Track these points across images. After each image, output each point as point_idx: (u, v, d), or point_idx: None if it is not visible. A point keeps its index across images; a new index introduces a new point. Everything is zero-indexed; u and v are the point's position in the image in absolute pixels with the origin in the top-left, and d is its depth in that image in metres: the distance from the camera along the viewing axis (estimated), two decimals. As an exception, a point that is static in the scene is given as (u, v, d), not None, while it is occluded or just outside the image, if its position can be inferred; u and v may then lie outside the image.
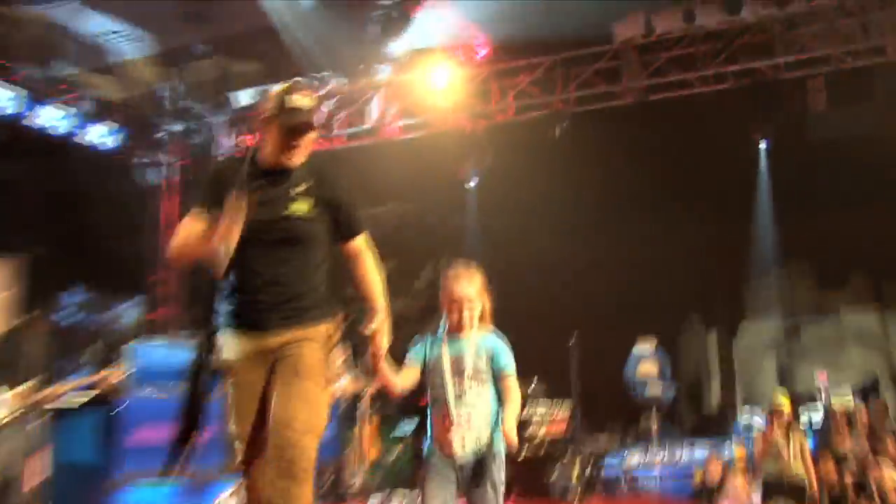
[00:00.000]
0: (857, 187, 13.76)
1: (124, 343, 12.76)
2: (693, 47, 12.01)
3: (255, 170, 3.76)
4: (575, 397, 11.20)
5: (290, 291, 3.72)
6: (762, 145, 14.04)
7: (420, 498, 4.14)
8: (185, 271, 14.53)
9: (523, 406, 11.09)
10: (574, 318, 14.05)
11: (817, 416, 12.04)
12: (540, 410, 11.24)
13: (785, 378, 13.82)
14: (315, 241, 3.81)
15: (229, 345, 3.74)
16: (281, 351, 3.68)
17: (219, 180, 3.76)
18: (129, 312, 15.51)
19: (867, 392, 12.81)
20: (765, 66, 11.79)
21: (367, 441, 10.47)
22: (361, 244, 3.94)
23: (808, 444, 9.06)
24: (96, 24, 12.88)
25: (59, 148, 12.90)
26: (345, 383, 9.91)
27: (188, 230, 3.73)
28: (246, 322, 3.72)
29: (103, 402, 6.31)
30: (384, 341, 3.82)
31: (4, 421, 8.23)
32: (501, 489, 4.02)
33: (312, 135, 3.83)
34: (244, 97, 13.54)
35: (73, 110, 13.15)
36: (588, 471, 11.06)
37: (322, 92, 13.02)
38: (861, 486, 8.38)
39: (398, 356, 4.19)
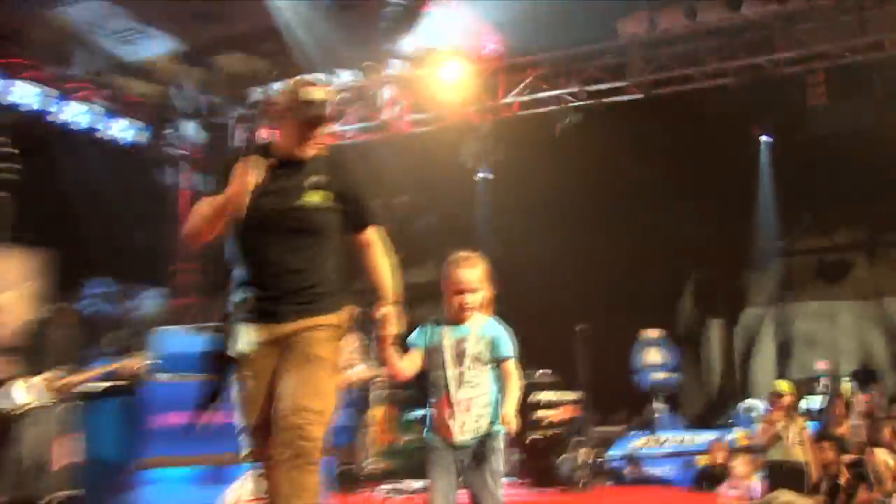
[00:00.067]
0: (857, 180, 13.74)
1: (146, 331, 12.88)
2: (695, 43, 12.00)
3: (270, 160, 3.72)
4: (582, 385, 11.22)
5: (301, 280, 3.71)
6: (763, 139, 14.04)
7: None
8: (204, 260, 14.67)
9: (532, 392, 11.19)
10: (581, 307, 14.09)
11: (817, 403, 12.07)
12: (547, 397, 11.28)
13: (785, 366, 13.83)
14: (327, 231, 3.80)
15: (241, 335, 3.72)
16: (293, 338, 3.67)
17: (229, 171, 3.69)
18: (150, 302, 15.59)
19: (866, 379, 12.83)
20: (765, 61, 11.76)
21: (380, 426, 10.50)
22: (373, 235, 3.95)
23: (808, 430, 9.09)
24: (116, 23, 12.94)
25: (82, 143, 12.97)
26: (359, 371, 9.97)
27: (201, 209, 3.72)
28: (258, 311, 3.69)
29: (127, 388, 6.36)
30: (393, 328, 3.80)
31: (33, 406, 8.33)
32: (501, 473, 4.00)
33: (326, 127, 3.84)
34: (259, 92, 13.57)
35: (95, 106, 13.22)
36: (594, 456, 11.10)
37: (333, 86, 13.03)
38: (859, 471, 8.40)
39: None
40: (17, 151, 2.06)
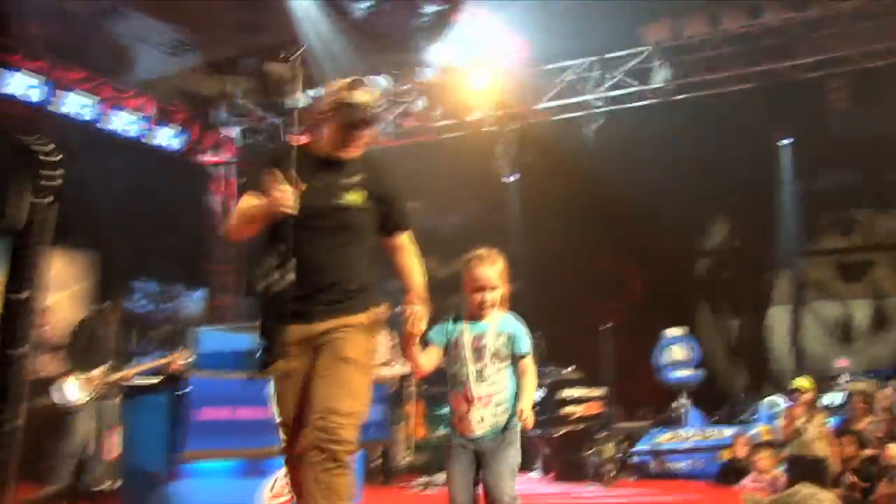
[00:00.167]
0: (876, 182, 13.63)
1: (188, 330, 13.00)
2: (718, 49, 11.95)
3: (310, 159, 3.71)
4: (608, 381, 11.21)
5: (335, 278, 3.65)
6: (784, 143, 13.94)
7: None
8: (242, 261, 14.78)
9: (559, 388, 11.19)
10: (606, 306, 14.08)
11: (838, 399, 11.97)
12: (574, 393, 11.27)
13: (807, 363, 13.72)
14: (364, 232, 3.76)
15: (274, 333, 3.64)
16: (325, 336, 3.62)
17: (274, 166, 3.63)
18: (193, 301, 15.73)
19: (887, 376, 12.69)
20: (786, 67, 11.70)
21: (414, 422, 10.54)
22: (406, 239, 3.92)
23: (829, 425, 9.03)
24: (159, 35, 13.08)
25: (130, 149, 13.12)
26: (396, 369, 10.01)
27: (242, 208, 3.70)
28: (292, 310, 3.58)
29: (170, 384, 6.42)
30: (419, 326, 3.73)
31: (86, 402, 8.46)
32: (516, 467, 3.95)
33: (369, 130, 3.78)
34: (301, 99, 13.66)
35: (141, 115, 13.38)
36: (620, 451, 11.07)
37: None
38: (869, 466, 8.33)
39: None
40: (59, 158, 2.08)
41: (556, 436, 10.85)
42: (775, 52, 11.69)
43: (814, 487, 6.15)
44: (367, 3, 11.25)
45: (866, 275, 15.07)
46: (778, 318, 14.95)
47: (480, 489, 3.96)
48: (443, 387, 4.19)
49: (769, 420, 11.06)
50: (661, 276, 15.03)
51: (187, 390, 6.01)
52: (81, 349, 8.63)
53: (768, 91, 12.10)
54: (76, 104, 12.25)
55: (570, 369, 11.75)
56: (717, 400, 13.34)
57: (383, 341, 9.62)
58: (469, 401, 3.90)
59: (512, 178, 15.58)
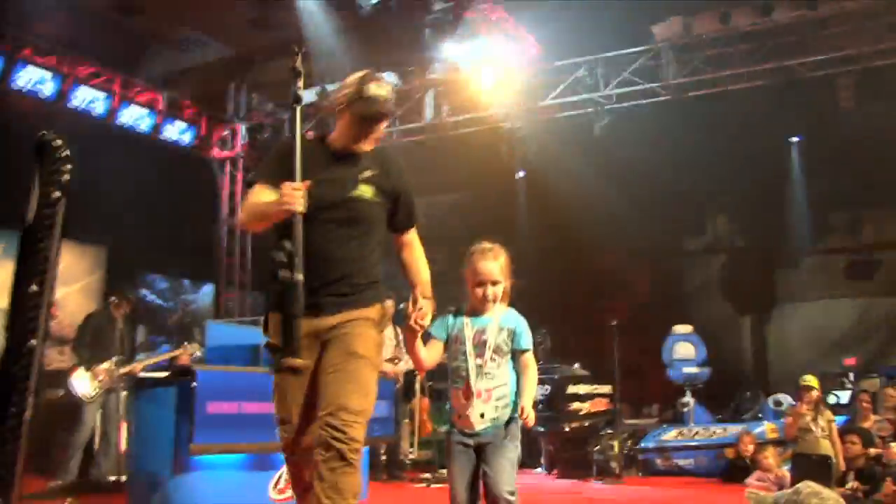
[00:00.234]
0: (886, 181, 13.59)
1: (199, 323, 13.03)
2: (728, 47, 11.93)
3: (323, 152, 3.71)
4: (616, 378, 11.21)
5: (347, 271, 3.61)
6: (794, 140, 13.92)
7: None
8: (252, 256, 14.82)
9: (567, 384, 11.19)
10: (614, 302, 14.08)
11: (845, 398, 11.97)
12: (581, 389, 11.27)
13: (814, 361, 13.70)
14: (374, 226, 3.73)
15: (272, 327, 3.62)
16: (334, 331, 3.57)
17: (284, 157, 3.61)
18: (202, 295, 15.78)
19: (894, 375, 12.68)
20: (796, 64, 11.68)
21: (420, 418, 10.55)
22: (413, 235, 3.91)
23: (835, 423, 9.02)
24: (175, 32, 13.16)
25: (140, 144, 13.16)
26: (401, 366, 10.03)
27: (254, 202, 3.65)
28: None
29: (177, 377, 6.44)
30: (423, 322, 3.64)
31: (98, 394, 8.50)
32: (516, 462, 3.88)
33: (384, 124, 3.76)
34: (308, 95, 13.67)
35: (151, 109, 13.41)
36: (627, 447, 11.08)
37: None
38: (882, 463, 8.33)
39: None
40: (68, 154, 2.07)
41: (561, 432, 10.86)
42: (785, 49, 11.66)
43: (818, 486, 6.14)
44: (376, 0, 11.25)
45: (874, 273, 15.05)
46: (784, 316, 14.94)
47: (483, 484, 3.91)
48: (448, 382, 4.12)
49: (775, 418, 11.07)
50: (668, 273, 15.03)
51: (195, 384, 6.02)
52: (92, 342, 8.68)
53: (777, 89, 12.07)
54: (87, 99, 12.27)
55: (575, 366, 11.75)
56: (722, 397, 13.35)
57: (389, 337, 9.64)
58: (469, 396, 3.84)
59: (520, 175, 15.60)
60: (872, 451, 8.59)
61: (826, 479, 7.66)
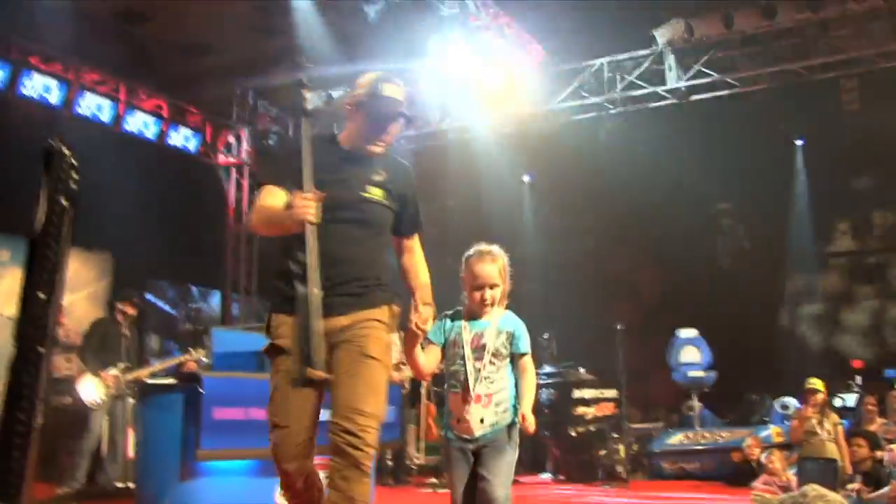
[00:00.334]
0: (891, 183, 13.59)
1: (206, 329, 13.03)
2: (731, 50, 11.92)
3: (334, 152, 3.66)
4: (621, 381, 11.22)
5: (355, 271, 3.56)
6: (798, 143, 13.92)
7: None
8: (259, 263, 14.83)
9: (573, 389, 11.19)
10: (620, 306, 14.08)
11: (851, 401, 11.95)
12: (588, 393, 11.27)
13: (820, 364, 13.69)
14: (383, 228, 3.71)
15: (284, 328, 3.55)
16: (346, 333, 3.50)
17: (291, 158, 3.54)
18: (209, 302, 15.81)
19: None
20: (800, 67, 11.67)
21: (427, 422, 10.55)
22: (416, 241, 3.88)
23: (842, 426, 9.01)
24: (181, 38, 13.20)
25: (145, 150, 13.18)
26: (407, 370, 10.03)
27: (265, 205, 3.57)
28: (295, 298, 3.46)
29: (186, 383, 6.45)
30: (424, 328, 3.60)
31: (104, 401, 8.52)
32: (513, 469, 3.79)
33: (397, 125, 3.72)
34: (315, 100, 13.67)
35: (157, 116, 13.43)
36: (634, 451, 11.07)
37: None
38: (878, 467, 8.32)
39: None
40: (75, 162, 2.06)
41: (567, 437, 10.85)
42: (788, 52, 11.66)
43: (823, 489, 6.13)
44: (379, 5, 11.26)
45: (880, 276, 15.02)
46: (790, 319, 14.92)
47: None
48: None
49: (781, 421, 11.05)
50: (674, 276, 15.02)
51: (202, 391, 6.03)
52: (98, 349, 8.70)
53: (781, 92, 12.06)
54: (93, 106, 12.30)
55: (581, 370, 11.75)
56: (729, 401, 13.33)
57: (395, 342, 9.64)
58: (468, 401, 3.76)
59: (526, 179, 15.61)
60: (879, 453, 8.57)
61: (832, 483, 7.65)
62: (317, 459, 3.58)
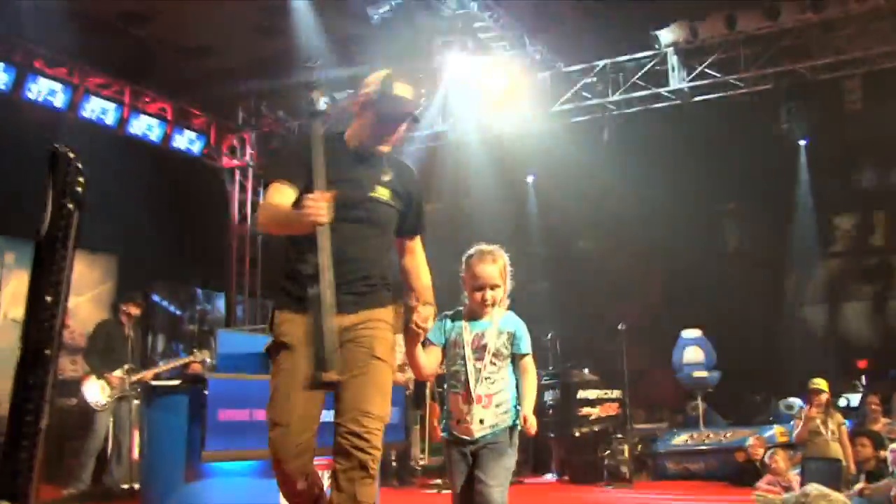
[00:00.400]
0: (892, 182, 13.59)
1: (211, 331, 13.04)
2: (735, 51, 11.93)
3: (341, 150, 3.61)
4: (625, 382, 11.23)
5: (360, 271, 3.51)
6: (801, 143, 13.92)
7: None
8: (264, 264, 14.85)
9: (576, 389, 11.19)
10: (624, 306, 14.08)
11: (856, 401, 11.94)
12: (591, 394, 11.27)
13: (824, 364, 13.69)
14: (389, 228, 3.67)
15: (288, 325, 3.51)
16: (351, 332, 3.47)
17: (300, 155, 3.52)
18: (214, 303, 15.83)
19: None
20: (803, 68, 11.68)
21: (432, 423, 10.56)
22: (418, 242, 3.85)
23: (846, 425, 9.01)
24: (185, 40, 13.22)
25: (150, 153, 13.21)
26: (411, 372, 10.04)
27: (275, 204, 3.49)
28: (305, 299, 3.42)
29: (191, 384, 6.46)
30: (425, 328, 3.58)
31: (110, 402, 8.55)
32: (511, 472, 3.75)
33: (406, 125, 3.68)
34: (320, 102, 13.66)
35: (161, 119, 13.45)
36: (638, 451, 11.07)
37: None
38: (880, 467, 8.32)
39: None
40: (81, 166, 2.07)
41: (571, 437, 10.86)
42: (792, 53, 11.66)
43: (824, 488, 6.13)
44: (385, 8, 11.28)
45: (883, 275, 15.01)
46: (795, 319, 14.92)
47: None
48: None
49: (786, 421, 11.05)
50: (678, 277, 15.02)
51: (206, 392, 6.04)
52: (100, 351, 8.72)
53: (785, 93, 12.07)
54: (98, 109, 12.33)
55: (585, 371, 11.76)
56: (733, 401, 13.33)
57: (399, 343, 9.65)
58: (469, 401, 3.72)
59: (529, 180, 15.63)
60: (883, 453, 8.56)
61: (836, 483, 7.66)
62: (317, 460, 3.54)
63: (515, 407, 3.76)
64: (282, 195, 3.50)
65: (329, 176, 3.40)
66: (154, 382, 8.24)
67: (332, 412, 3.50)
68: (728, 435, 11.14)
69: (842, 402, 11.77)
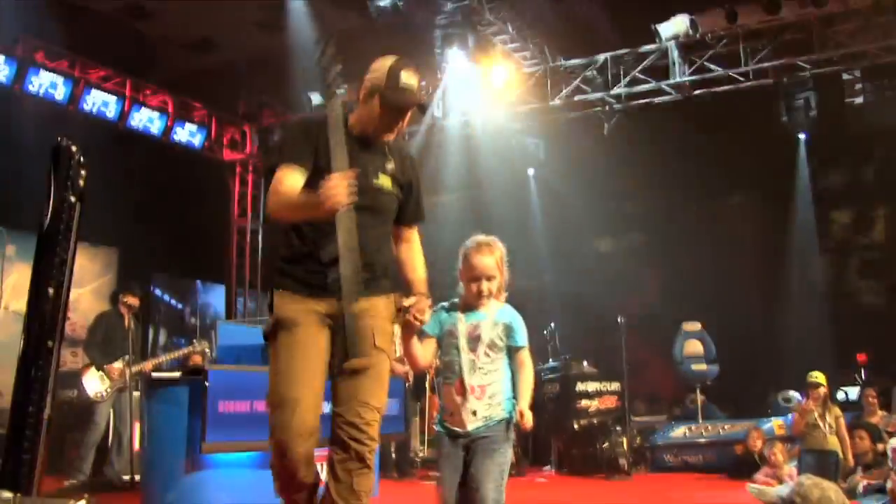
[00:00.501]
0: (893, 177, 13.58)
1: (211, 323, 13.06)
2: (735, 45, 11.93)
3: (347, 136, 3.47)
4: (625, 375, 11.24)
5: (366, 257, 3.41)
6: (801, 137, 13.92)
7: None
8: (263, 256, 14.87)
9: (576, 382, 11.22)
10: (624, 299, 14.09)
11: (854, 394, 11.95)
12: (591, 386, 11.29)
13: (822, 357, 13.69)
14: (390, 217, 3.64)
15: (291, 306, 3.43)
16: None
17: (308, 136, 3.48)
18: (214, 295, 15.85)
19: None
20: (804, 62, 11.68)
21: (431, 415, 10.57)
22: (416, 232, 3.81)
23: (844, 419, 9.03)
24: (185, 34, 13.23)
25: (151, 146, 13.23)
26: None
27: (288, 189, 3.39)
28: (316, 285, 3.40)
29: (192, 376, 6.49)
30: (422, 319, 3.56)
31: (110, 394, 8.57)
32: (507, 468, 3.67)
33: (411, 114, 3.63)
34: (315, 98, 13.68)
35: (162, 112, 13.46)
36: (636, 443, 11.09)
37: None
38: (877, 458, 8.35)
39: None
40: (84, 160, 2.06)
41: (570, 430, 10.89)
42: (793, 47, 11.66)
43: (818, 479, 6.15)
44: (385, 1, 11.27)
45: (884, 270, 15.01)
46: (795, 313, 14.91)
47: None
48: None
49: (784, 414, 11.06)
50: (677, 270, 15.02)
51: (207, 384, 6.06)
52: (99, 343, 8.74)
53: (785, 86, 12.06)
54: (99, 102, 12.34)
55: (584, 364, 11.78)
56: (731, 394, 13.34)
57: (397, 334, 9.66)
58: (463, 392, 3.66)
59: (531, 173, 15.64)
60: (881, 446, 8.59)
61: (833, 475, 7.68)
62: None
63: (510, 400, 3.70)
64: (293, 179, 3.42)
65: (334, 163, 3.33)
66: (155, 374, 8.27)
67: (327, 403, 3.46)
68: (726, 427, 11.16)
69: (840, 396, 11.78)
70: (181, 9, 12.39)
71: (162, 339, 14.59)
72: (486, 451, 3.61)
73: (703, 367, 12.31)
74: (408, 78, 3.51)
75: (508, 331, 3.76)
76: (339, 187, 3.14)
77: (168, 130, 13.43)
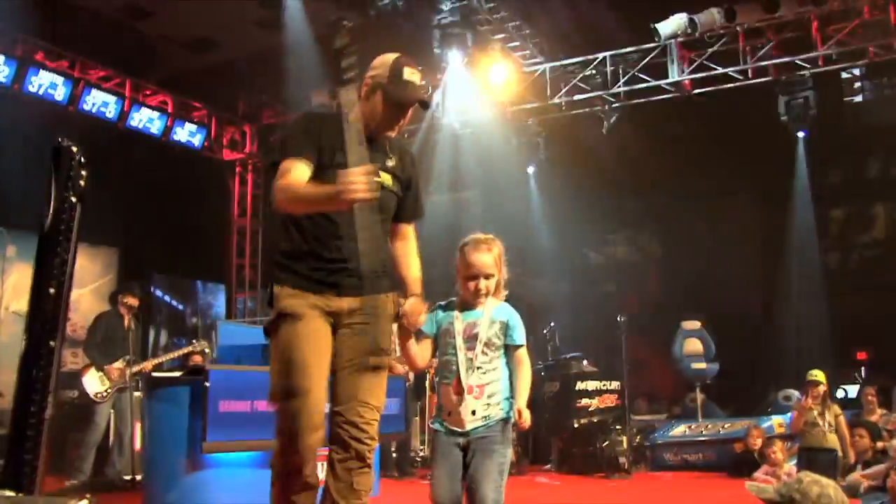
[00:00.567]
0: (892, 174, 13.60)
1: (212, 324, 13.06)
2: (734, 43, 11.94)
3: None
4: (625, 374, 11.23)
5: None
6: (800, 135, 13.91)
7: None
8: (263, 256, 14.86)
9: (576, 380, 11.22)
10: (623, 298, 14.10)
11: (854, 392, 11.97)
12: (591, 385, 11.30)
13: (822, 355, 13.71)
14: (390, 214, 3.62)
15: (295, 299, 3.39)
16: (353, 317, 3.44)
17: (312, 130, 3.47)
18: (215, 294, 15.85)
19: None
20: (803, 60, 11.69)
21: (432, 415, 10.58)
22: (412, 230, 3.78)
23: (844, 417, 9.03)
24: (184, 34, 13.24)
25: (151, 145, 13.22)
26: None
27: (296, 181, 3.34)
28: (317, 281, 3.40)
29: (192, 376, 6.49)
30: (418, 321, 3.53)
31: (110, 394, 8.57)
32: (506, 469, 3.62)
33: (412, 111, 3.60)
34: (319, 96, 13.66)
35: (162, 112, 13.45)
36: (636, 442, 11.10)
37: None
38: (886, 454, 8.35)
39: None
40: (84, 160, 2.05)
41: (570, 428, 10.89)
42: (792, 45, 11.67)
43: (817, 476, 6.15)
44: (385, 0, 11.28)
45: (883, 267, 15.02)
46: (795, 311, 14.92)
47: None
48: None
49: (784, 412, 11.07)
50: (677, 268, 15.04)
51: (207, 383, 6.06)
52: (99, 343, 8.75)
53: (784, 85, 12.06)
54: (99, 102, 12.34)
55: (584, 362, 11.78)
56: (731, 392, 13.35)
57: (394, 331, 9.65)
58: (461, 391, 3.60)
59: (530, 171, 15.64)
60: (880, 444, 8.60)
61: (832, 473, 7.68)
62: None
63: (508, 399, 3.66)
64: (300, 171, 3.37)
65: (337, 158, 3.32)
66: (155, 374, 8.28)
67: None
68: (726, 426, 11.17)
69: (840, 394, 11.80)
70: (181, 8, 12.40)
71: (163, 339, 14.59)
72: (485, 451, 3.56)
73: (702, 365, 12.32)
74: (410, 74, 3.50)
75: (506, 329, 3.71)
76: (361, 182, 3.08)
77: (168, 130, 13.43)
